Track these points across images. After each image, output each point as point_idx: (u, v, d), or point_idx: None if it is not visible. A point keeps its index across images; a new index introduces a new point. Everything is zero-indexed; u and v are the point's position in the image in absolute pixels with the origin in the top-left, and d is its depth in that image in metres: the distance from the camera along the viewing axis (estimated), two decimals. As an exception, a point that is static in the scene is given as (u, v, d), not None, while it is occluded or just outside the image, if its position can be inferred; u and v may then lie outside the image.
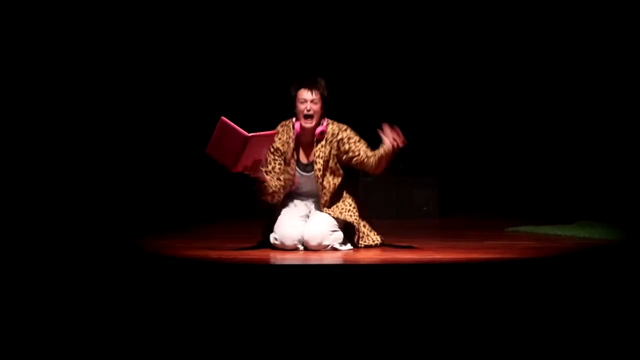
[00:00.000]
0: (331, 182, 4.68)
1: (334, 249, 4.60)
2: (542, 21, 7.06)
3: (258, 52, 7.25)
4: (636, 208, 6.19)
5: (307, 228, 4.59)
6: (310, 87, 4.60)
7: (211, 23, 7.20)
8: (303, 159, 4.71)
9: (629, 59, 6.67)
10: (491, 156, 7.31)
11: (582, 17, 6.89)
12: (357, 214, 4.71)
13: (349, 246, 4.67)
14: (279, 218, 4.66)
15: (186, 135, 7.22)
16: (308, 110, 4.59)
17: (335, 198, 4.71)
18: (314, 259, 4.31)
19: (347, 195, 4.75)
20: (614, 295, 3.69)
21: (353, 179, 6.37)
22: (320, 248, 4.57)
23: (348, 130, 4.69)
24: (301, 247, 4.60)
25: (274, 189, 4.56)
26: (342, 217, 4.65)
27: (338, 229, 4.66)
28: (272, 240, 4.63)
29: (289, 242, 4.57)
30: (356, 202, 4.76)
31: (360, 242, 4.70)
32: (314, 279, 3.77)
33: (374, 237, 4.75)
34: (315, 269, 4.01)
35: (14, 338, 3.53)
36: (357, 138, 4.69)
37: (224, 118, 4.28)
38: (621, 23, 6.68)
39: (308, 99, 4.59)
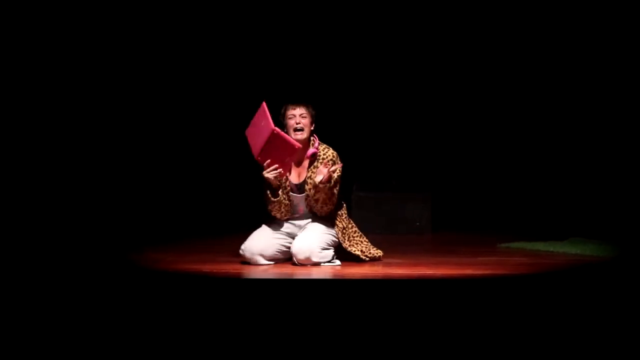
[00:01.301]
0: None
1: (321, 265, 4.62)
2: (536, 39, 7.09)
3: (253, 73, 7.25)
4: (628, 225, 6.20)
5: (296, 241, 4.64)
6: (296, 103, 4.73)
7: (208, 48, 7.20)
8: (294, 179, 4.76)
9: (616, 78, 6.70)
10: (484, 172, 7.32)
11: (576, 37, 6.93)
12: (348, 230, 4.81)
13: (337, 262, 4.69)
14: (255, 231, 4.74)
15: (181, 150, 7.22)
16: (297, 124, 4.69)
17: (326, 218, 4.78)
18: (305, 274, 4.30)
19: (337, 215, 4.81)
20: (605, 312, 3.70)
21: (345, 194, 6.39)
22: (308, 263, 4.59)
23: (337, 159, 4.78)
24: (261, 261, 4.63)
25: (279, 200, 4.67)
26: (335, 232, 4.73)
27: (329, 247, 4.69)
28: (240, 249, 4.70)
29: (247, 254, 4.63)
30: (346, 221, 4.84)
31: (365, 254, 4.76)
32: (306, 294, 3.77)
33: (375, 252, 4.81)
34: (307, 284, 4.01)
35: (6, 351, 3.52)
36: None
37: (264, 103, 4.52)
38: (616, 41, 6.71)
39: (296, 114, 4.69)
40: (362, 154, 7.27)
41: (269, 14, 7.16)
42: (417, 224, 6.59)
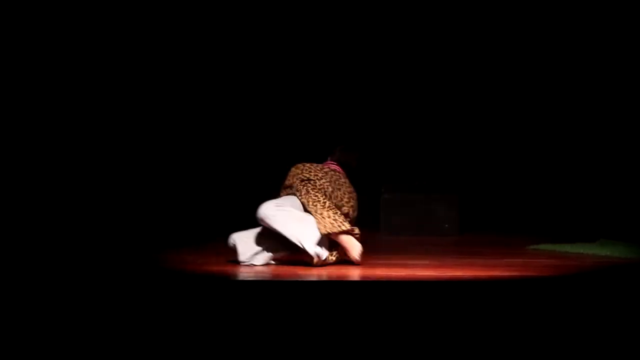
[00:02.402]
0: None
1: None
2: (562, 41, 7.08)
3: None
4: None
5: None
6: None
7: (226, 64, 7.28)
8: None
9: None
10: (512, 174, 7.31)
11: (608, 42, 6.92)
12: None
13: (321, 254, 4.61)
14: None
15: (210, 152, 7.29)
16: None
17: None
18: (331, 275, 4.32)
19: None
20: (634, 315, 3.68)
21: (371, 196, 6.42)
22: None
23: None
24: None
25: None
26: None
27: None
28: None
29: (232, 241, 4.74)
30: None
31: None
32: (330, 295, 3.79)
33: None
34: (331, 285, 4.02)
35: (27, 354, 3.57)
36: None
37: None
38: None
39: None
40: (390, 156, 7.30)
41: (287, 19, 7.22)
42: (445, 225, 6.59)
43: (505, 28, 7.19)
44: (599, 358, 3.60)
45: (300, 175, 4.78)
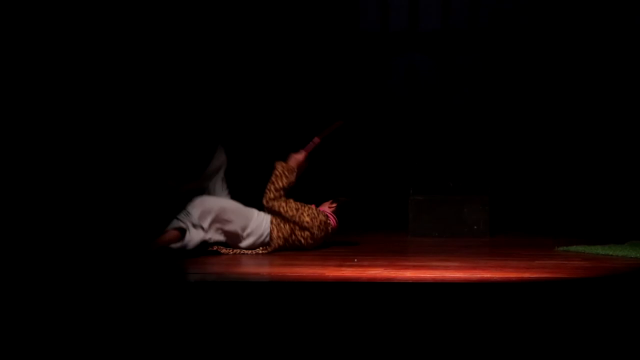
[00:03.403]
0: None
1: None
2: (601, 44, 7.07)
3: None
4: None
5: None
6: None
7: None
8: None
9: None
10: (542, 175, 7.28)
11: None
12: None
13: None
14: None
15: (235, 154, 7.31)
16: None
17: None
18: (359, 277, 4.33)
19: None
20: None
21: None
22: None
23: None
24: None
25: None
26: None
27: None
28: None
29: None
30: None
31: None
32: (359, 297, 3.80)
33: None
34: (359, 287, 4.03)
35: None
36: None
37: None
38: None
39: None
40: (420, 156, 7.29)
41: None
42: (475, 227, 6.57)
43: (546, 34, 7.19)
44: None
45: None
